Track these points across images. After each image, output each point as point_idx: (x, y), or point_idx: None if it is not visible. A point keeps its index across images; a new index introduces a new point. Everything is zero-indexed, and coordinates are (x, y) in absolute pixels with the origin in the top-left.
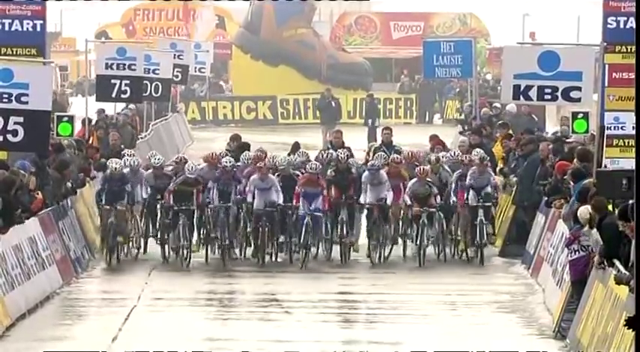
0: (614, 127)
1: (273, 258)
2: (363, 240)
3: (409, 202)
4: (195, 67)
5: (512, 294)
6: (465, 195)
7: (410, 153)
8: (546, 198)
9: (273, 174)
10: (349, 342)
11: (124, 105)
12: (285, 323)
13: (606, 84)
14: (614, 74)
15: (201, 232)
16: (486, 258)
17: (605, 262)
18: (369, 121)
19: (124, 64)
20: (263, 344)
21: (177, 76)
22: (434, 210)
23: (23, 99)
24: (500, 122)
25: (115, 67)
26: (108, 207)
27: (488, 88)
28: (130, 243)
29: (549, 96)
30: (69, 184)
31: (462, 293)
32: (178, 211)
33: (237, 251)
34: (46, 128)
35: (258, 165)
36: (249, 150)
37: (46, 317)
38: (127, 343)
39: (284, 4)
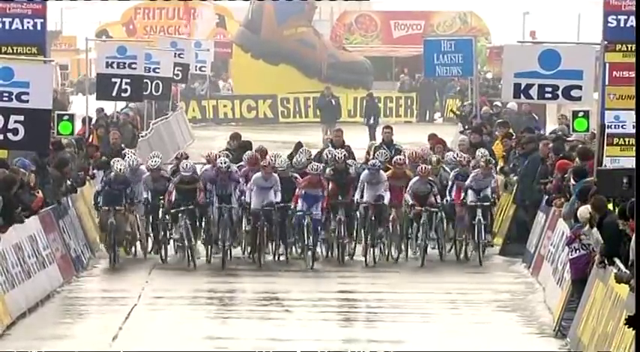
0: (615, 126)
1: (276, 257)
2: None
3: (410, 201)
4: (196, 66)
5: (513, 293)
6: (463, 194)
7: (414, 153)
8: (547, 197)
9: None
10: (349, 341)
11: (124, 104)
12: (286, 321)
13: (607, 82)
14: (614, 73)
15: (201, 232)
16: (487, 257)
17: (606, 261)
18: (367, 119)
19: (125, 63)
20: (263, 343)
21: (177, 75)
22: (435, 209)
23: (24, 97)
24: (499, 121)
25: (115, 65)
26: (107, 208)
27: (489, 86)
28: (132, 244)
29: (550, 95)
30: (69, 182)
31: (462, 291)
32: (179, 212)
33: (240, 250)
34: (47, 127)
35: (262, 163)
36: (250, 149)
37: (47, 315)
38: (127, 342)
39: (284, 3)
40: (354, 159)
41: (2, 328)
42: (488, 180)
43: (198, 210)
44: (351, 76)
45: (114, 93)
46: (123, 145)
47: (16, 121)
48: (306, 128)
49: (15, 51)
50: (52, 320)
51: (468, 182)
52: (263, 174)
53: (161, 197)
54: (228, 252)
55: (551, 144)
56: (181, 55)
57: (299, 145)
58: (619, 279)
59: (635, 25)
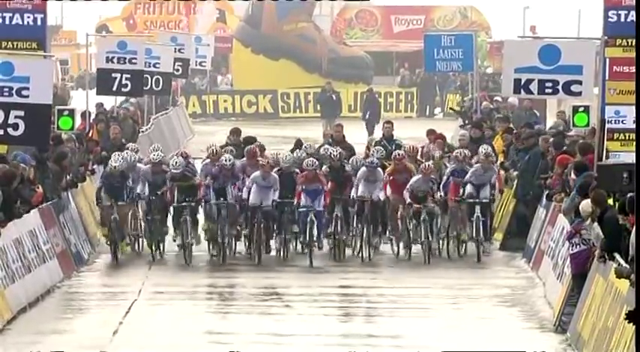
0: (615, 121)
1: (281, 254)
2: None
3: (408, 200)
4: (196, 61)
5: (513, 288)
6: (462, 190)
7: (412, 147)
8: (547, 192)
9: (274, 170)
10: (349, 336)
11: (123, 98)
12: (286, 316)
13: (607, 77)
14: (614, 68)
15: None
16: (486, 253)
17: (606, 256)
18: (363, 114)
19: (125, 58)
20: (263, 338)
21: (177, 70)
22: (432, 205)
23: (24, 92)
24: (498, 116)
25: (115, 60)
26: (109, 203)
27: (490, 81)
28: (136, 240)
29: (550, 90)
30: (69, 177)
31: (462, 287)
32: (180, 207)
33: (241, 245)
34: (47, 122)
35: (261, 162)
36: (254, 143)
37: (47, 310)
38: (127, 336)
39: None
40: (355, 155)
41: (3, 323)
42: (488, 175)
43: (197, 206)
44: (351, 71)
45: (114, 89)
46: (123, 140)
47: (16, 116)
48: (307, 123)
49: (15, 46)
50: (52, 314)
51: (467, 177)
52: (262, 173)
53: (158, 191)
54: (228, 248)
55: (551, 140)
56: (182, 50)
57: (299, 142)
58: (619, 274)
59: (635, 20)
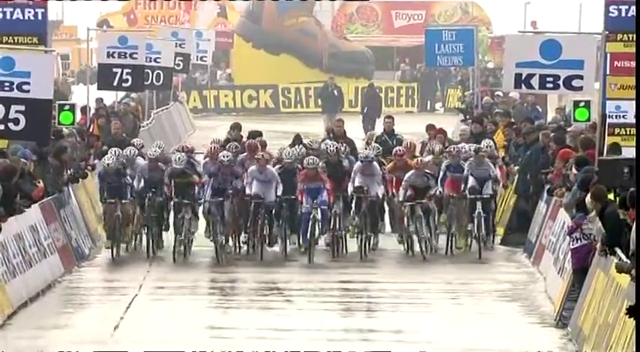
0: (616, 116)
1: (287, 250)
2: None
3: (401, 197)
4: (197, 56)
5: (514, 283)
6: (463, 185)
7: (409, 144)
8: (548, 187)
9: (276, 166)
10: (350, 330)
11: (124, 93)
12: (287, 311)
13: (608, 72)
14: (615, 63)
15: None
16: (487, 247)
17: (607, 250)
18: (362, 109)
19: (126, 53)
20: (264, 333)
21: (178, 65)
22: (425, 201)
23: (25, 87)
24: (497, 110)
25: (116, 55)
26: (112, 201)
27: (490, 75)
28: (140, 237)
29: (551, 85)
30: (70, 172)
31: (463, 281)
32: (180, 204)
33: (242, 240)
34: (48, 117)
35: (256, 156)
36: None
37: (48, 305)
38: (128, 331)
39: None
40: (356, 151)
41: (3, 318)
42: (484, 169)
43: (195, 204)
44: (352, 66)
45: (115, 83)
46: (124, 135)
47: (17, 111)
48: (307, 118)
49: (16, 41)
50: (53, 309)
51: (465, 171)
52: (257, 167)
53: (153, 188)
54: (226, 247)
55: (552, 135)
56: (182, 45)
57: (297, 137)
58: (620, 269)
59: (635, 15)
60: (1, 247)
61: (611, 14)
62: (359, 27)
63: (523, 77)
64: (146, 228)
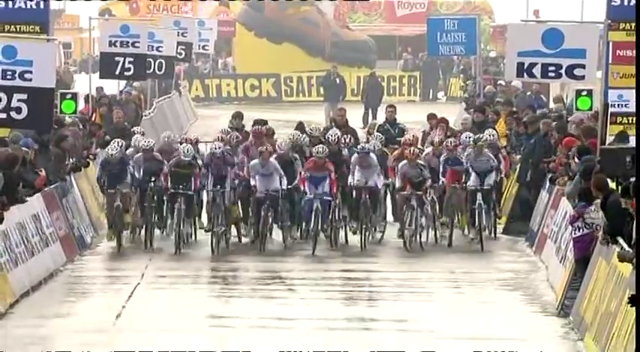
0: (618, 105)
1: (289, 241)
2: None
3: (397, 185)
4: (199, 45)
5: (516, 272)
6: (464, 177)
7: (413, 136)
8: (550, 176)
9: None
10: (352, 319)
11: (126, 82)
12: (289, 300)
13: (610, 61)
14: (618, 52)
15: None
16: (490, 236)
17: (609, 239)
18: (362, 97)
19: (128, 42)
20: (266, 322)
21: (180, 54)
22: (420, 193)
23: (27, 76)
24: (498, 99)
25: (118, 44)
26: (112, 190)
27: (493, 64)
28: (140, 227)
29: (553, 74)
30: (72, 160)
31: (465, 270)
32: (175, 194)
33: (243, 233)
34: (50, 105)
35: (259, 149)
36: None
37: (50, 294)
38: (130, 320)
39: None
40: (358, 141)
41: (6, 306)
42: (484, 160)
43: (192, 196)
44: (354, 55)
45: (117, 72)
46: (126, 124)
47: (19, 100)
48: (310, 107)
49: (18, 29)
50: (55, 298)
51: (465, 164)
52: (260, 160)
53: (151, 179)
54: (223, 237)
55: (553, 124)
56: (184, 34)
57: (300, 125)
58: (622, 258)
59: (635, 4)
60: (3, 236)
61: (613, 3)
62: (361, 16)
63: (525, 66)
64: (145, 219)
